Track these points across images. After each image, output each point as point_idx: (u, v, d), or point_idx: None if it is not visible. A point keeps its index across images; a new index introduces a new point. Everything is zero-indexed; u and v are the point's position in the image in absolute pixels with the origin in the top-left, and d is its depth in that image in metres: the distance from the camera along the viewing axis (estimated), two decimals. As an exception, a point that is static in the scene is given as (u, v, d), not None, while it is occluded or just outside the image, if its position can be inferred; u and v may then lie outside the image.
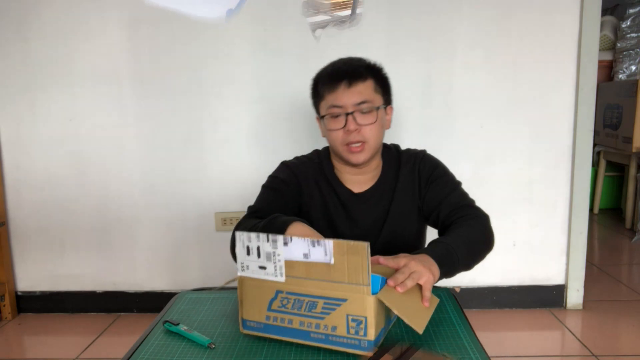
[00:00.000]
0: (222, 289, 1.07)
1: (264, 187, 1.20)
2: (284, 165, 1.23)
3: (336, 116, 1.10)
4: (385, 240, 1.17)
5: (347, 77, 1.09)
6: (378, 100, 1.13)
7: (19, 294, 2.28)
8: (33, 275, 2.27)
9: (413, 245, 1.19)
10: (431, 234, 1.19)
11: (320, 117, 1.15)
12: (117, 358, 1.04)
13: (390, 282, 0.80)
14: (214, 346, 0.82)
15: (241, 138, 2.11)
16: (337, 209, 1.18)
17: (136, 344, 0.85)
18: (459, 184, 1.19)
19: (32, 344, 2.07)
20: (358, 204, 1.18)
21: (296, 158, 1.25)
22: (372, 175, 1.19)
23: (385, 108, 1.17)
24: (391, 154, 1.23)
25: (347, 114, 1.09)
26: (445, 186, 1.16)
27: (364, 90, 1.10)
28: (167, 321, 0.89)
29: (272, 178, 1.21)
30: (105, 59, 2.07)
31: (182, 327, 0.87)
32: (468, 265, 1.02)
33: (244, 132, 2.10)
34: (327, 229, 1.16)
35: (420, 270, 0.84)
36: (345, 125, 1.09)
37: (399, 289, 0.79)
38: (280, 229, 0.95)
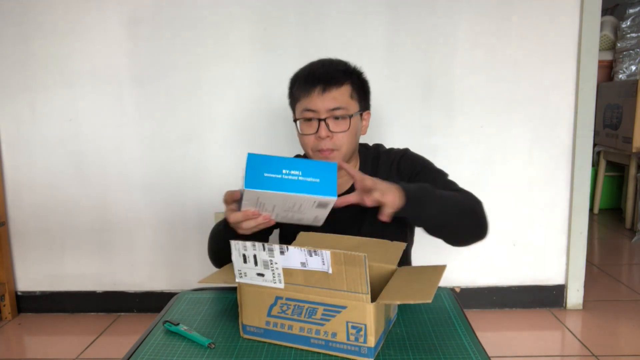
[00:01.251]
0: (202, 289, 1.07)
1: None
2: None
3: (309, 120, 1.09)
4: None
5: (322, 82, 1.07)
6: (353, 106, 1.11)
7: (19, 294, 2.28)
8: (33, 275, 2.27)
9: (398, 240, 1.18)
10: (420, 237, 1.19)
11: (294, 120, 1.14)
12: (117, 358, 1.04)
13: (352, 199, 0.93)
14: (214, 346, 0.82)
15: (241, 138, 2.11)
16: None
17: (136, 344, 0.85)
18: (446, 174, 1.16)
19: (32, 344, 2.07)
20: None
21: None
22: (348, 176, 1.18)
23: (361, 114, 1.15)
24: (369, 154, 1.22)
25: (320, 120, 1.07)
26: (432, 175, 1.14)
27: (339, 96, 1.08)
28: (167, 321, 0.89)
29: None
30: (105, 59, 2.08)
31: (182, 327, 0.87)
32: (444, 217, 1.00)
33: (244, 132, 2.10)
34: (304, 227, 1.15)
35: (384, 189, 0.90)
36: (317, 131, 1.08)
37: (367, 201, 0.90)
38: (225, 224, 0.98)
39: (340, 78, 1.09)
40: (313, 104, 1.08)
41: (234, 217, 0.90)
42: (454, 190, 1.11)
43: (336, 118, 1.08)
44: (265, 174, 0.80)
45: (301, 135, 1.12)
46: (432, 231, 1.03)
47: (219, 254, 1.07)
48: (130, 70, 2.08)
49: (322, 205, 0.81)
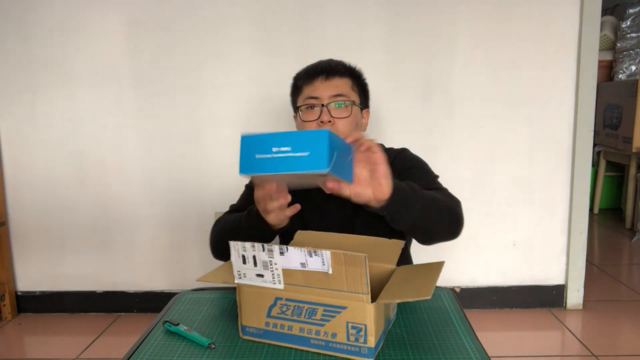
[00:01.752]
0: (200, 289, 1.07)
1: (245, 186, 1.27)
2: None
3: (311, 107, 1.13)
4: None
5: (325, 72, 1.14)
6: (354, 97, 1.16)
7: (19, 294, 2.28)
8: (33, 275, 2.27)
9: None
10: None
11: (296, 109, 1.18)
12: (117, 358, 1.04)
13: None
14: (214, 346, 0.82)
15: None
16: (310, 207, 1.17)
17: (136, 344, 0.85)
18: (435, 176, 1.16)
19: (32, 344, 2.07)
20: (329, 203, 1.16)
21: None
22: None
23: (361, 110, 1.20)
24: None
25: (322, 106, 1.11)
26: (419, 174, 1.13)
27: (341, 84, 1.14)
28: (167, 321, 0.89)
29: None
30: (105, 59, 2.08)
31: (182, 327, 0.87)
32: (424, 216, 0.94)
33: (243, 132, 2.10)
34: (300, 227, 1.13)
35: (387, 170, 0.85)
36: (319, 117, 1.11)
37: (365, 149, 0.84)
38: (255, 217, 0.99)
39: (342, 70, 1.15)
40: (316, 91, 1.12)
41: (256, 196, 0.94)
42: (437, 188, 1.10)
43: (338, 105, 1.12)
44: (257, 156, 0.77)
45: (303, 122, 1.15)
46: (410, 230, 1.00)
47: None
48: (130, 70, 2.08)
49: (321, 174, 0.77)
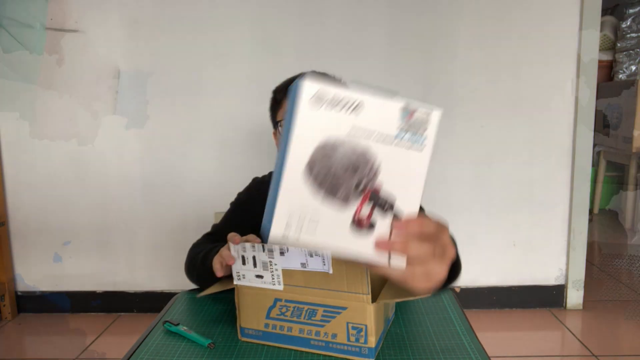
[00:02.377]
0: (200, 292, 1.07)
1: (231, 204, 1.24)
2: (251, 182, 1.26)
3: None
4: None
5: None
6: None
7: (19, 294, 2.28)
8: (33, 275, 2.27)
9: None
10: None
11: (276, 124, 1.12)
12: (117, 358, 1.04)
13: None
14: (213, 346, 0.82)
15: (241, 138, 2.11)
16: None
17: (136, 344, 0.85)
18: None
19: (32, 344, 2.07)
20: None
21: (269, 173, 1.27)
22: None
23: None
24: None
25: None
26: None
27: None
28: (167, 321, 0.89)
29: (237, 197, 1.24)
30: (105, 58, 2.07)
31: (182, 327, 0.87)
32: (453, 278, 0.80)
33: (244, 132, 2.10)
34: None
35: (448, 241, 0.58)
36: None
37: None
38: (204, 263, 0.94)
39: None
40: None
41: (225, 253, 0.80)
42: None
43: None
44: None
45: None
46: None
47: (200, 278, 1.02)
48: (130, 70, 2.08)
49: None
